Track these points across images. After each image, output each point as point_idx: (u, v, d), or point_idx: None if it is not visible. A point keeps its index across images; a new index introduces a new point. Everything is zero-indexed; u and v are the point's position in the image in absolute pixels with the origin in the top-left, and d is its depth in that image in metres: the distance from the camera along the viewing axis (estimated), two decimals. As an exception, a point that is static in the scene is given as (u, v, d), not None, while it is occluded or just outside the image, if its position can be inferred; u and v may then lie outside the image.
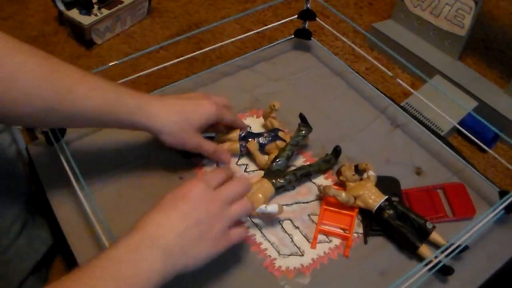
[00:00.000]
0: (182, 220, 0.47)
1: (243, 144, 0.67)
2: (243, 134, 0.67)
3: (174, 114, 0.58)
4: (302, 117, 0.67)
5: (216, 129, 0.67)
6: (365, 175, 0.62)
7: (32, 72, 0.50)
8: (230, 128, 0.68)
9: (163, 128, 0.58)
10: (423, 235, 0.57)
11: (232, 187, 0.52)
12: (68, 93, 0.52)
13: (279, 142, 0.66)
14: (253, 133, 0.68)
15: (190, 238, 0.47)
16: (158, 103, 0.58)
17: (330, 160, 0.66)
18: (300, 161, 0.68)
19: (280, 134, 0.67)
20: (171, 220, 0.47)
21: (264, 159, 0.66)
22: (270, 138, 0.67)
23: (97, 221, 0.56)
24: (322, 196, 0.62)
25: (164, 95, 0.62)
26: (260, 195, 0.59)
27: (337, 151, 0.66)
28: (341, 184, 0.63)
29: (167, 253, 0.45)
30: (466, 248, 0.55)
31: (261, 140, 0.67)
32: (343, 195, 0.59)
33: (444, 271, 0.55)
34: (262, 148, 0.67)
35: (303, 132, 0.66)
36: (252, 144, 0.66)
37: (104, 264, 0.42)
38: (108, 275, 0.41)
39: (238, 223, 0.54)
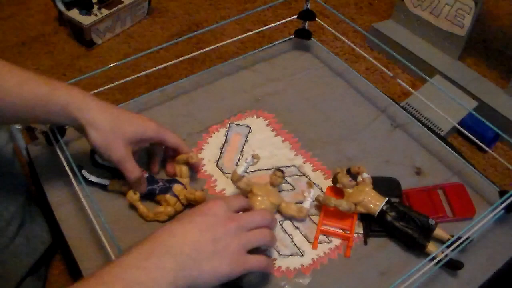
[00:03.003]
0: (198, 234, 0.46)
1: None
2: (146, 175, 0.61)
3: (109, 114, 0.56)
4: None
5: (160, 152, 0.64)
6: (359, 178, 0.62)
7: None
8: (176, 152, 0.63)
9: (92, 121, 0.54)
10: (427, 232, 0.57)
11: (253, 215, 0.52)
12: None
13: (168, 196, 0.59)
14: (153, 179, 0.61)
15: (204, 252, 0.45)
16: (94, 101, 0.56)
17: None
18: (300, 161, 0.68)
19: (175, 187, 0.60)
20: (187, 232, 0.46)
21: (145, 210, 0.59)
22: (163, 188, 0.61)
23: (97, 221, 0.55)
24: (321, 206, 0.61)
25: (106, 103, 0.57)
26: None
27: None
28: (338, 190, 0.62)
29: (179, 263, 0.43)
30: (470, 240, 0.55)
31: (154, 187, 0.61)
32: (344, 204, 0.58)
33: (453, 266, 0.55)
34: (153, 196, 0.61)
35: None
36: (131, 195, 0.60)
37: (114, 270, 0.41)
38: (118, 280, 0.41)
39: (259, 252, 0.52)
